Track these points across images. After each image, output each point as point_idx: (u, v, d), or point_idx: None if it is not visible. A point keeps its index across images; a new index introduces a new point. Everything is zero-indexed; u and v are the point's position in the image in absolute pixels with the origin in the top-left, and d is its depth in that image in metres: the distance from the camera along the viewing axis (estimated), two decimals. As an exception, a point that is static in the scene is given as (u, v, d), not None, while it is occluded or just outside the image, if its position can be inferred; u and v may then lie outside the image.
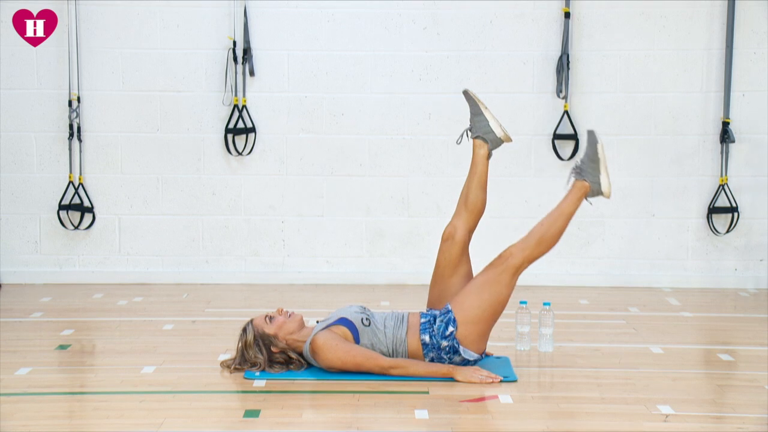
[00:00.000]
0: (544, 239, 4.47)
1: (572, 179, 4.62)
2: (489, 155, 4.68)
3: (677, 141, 6.76)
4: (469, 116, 4.72)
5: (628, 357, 4.80)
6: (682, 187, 6.78)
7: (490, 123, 4.64)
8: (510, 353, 4.80)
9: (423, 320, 4.41)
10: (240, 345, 4.43)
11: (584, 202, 4.60)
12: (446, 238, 4.62)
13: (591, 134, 4.62)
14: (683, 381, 4.39)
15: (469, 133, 4.71)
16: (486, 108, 4.66)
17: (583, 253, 6.85)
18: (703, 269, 6.82)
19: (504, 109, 6.74)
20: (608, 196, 4.61)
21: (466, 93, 4.72)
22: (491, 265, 4.44)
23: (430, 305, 4.60)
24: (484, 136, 4.66)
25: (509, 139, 4.67)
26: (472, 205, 4.66)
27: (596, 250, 6.83)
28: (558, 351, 4.89)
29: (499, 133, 4.64)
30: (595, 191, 4.59)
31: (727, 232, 6.75)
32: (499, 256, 4.45)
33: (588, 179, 4.57)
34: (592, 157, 4.57)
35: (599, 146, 4.56)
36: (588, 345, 5.05)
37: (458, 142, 4.82)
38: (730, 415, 3.93)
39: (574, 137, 6.70)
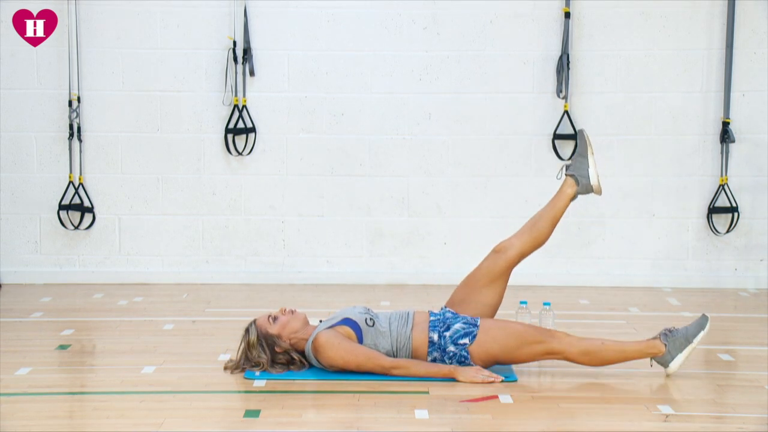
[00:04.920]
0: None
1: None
2: (574, 197, 4.64)
3: (677, 141, 6.76)
4: (573, 153, 4.71)
5: (628, 357, 4.80)
6: (682, 187, 6.78)
7: (589, 169, 4.61)
8: (510, 353, 4.79)
9: (432, 318, 4.42)
10: (243, 346, 4.42)
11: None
12: (498, 250, 4.59)
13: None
14: (683, 381, 4.38)
15: (566, 169, 4.68)
16: (593, 154, 4.64)
17: (583, 253, 6.84)
18: (703, 269, 6.82)
19: (504, 109, 6.76)
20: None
21: (581, 132, 4.70)
22: (536, 330, 4.42)
23: (449, 304, 4.59)
24: (579, 177, 4.63)
25: (600, 192, 4.63)
26: (537, 233, 4.62)
27: (596, 250, 6.83)
28: (558, 351, 4.88)
29: (594, 181, 4.61)
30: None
31: (727, 232, 6.75)
32: (546, 331, 4.45)
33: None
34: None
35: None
36: (588, 345, 5.04)
37: (558, 177, 4.75)
38: (730, 415, 3.92)
39: (574, 137, 6.70)
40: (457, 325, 4.38)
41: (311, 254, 6.87)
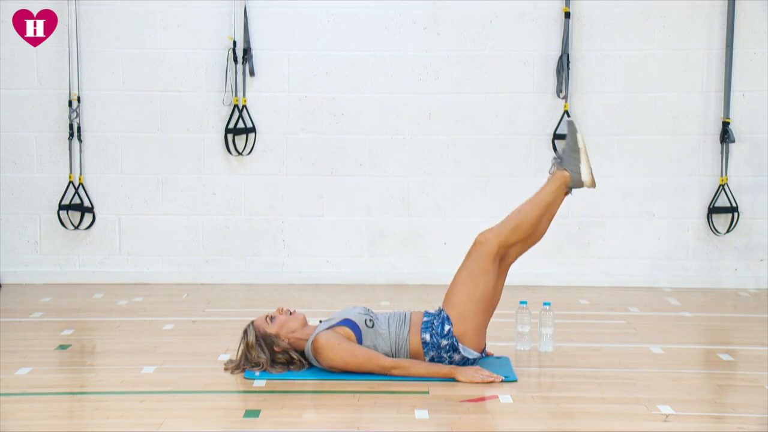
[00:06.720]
0: (520, 226, 4.47)
1: (553, 169, 4.62)
2: (567, 192, 4.59)
3: (677, 141, 6.76)
4: (564, 146, 4.61)
5: (628, 357, 4.80)
6: (682, 187, 6.78)
7: (581, 164, 4.55)
8: (510, 353, 4.80)
9: (425, 319, 4.42)
10: (242, 347, 4.43)
11: (567, 193, 4.59)
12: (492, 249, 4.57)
13: (570, 124, 4.60)
14: (683, 381, 4.39)
15: (557, 162, 4.61)
16: (584, 146, 4.56)
17: (583, 253, 6.84)
18: (703, 269, 6.82)
19: (504, 109, 6.76)
20: (591, 186, 4.58)
21: (571, 124, 4.62)
22: (468, 255, 4.45)
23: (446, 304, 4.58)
24: (571, 172, 4.56)
25: (593, 185, 4.57)
26: (539, 232, 4.57)
27: (596, 250, 6.83)
28: (558, 351, 4.89)
29: (585, 177, 4.54)
30: (576, 181, 4.56)
31: (727, 232, 6.75)
32: (474, 243, 4.45)
33: (568, 169, 4.56)
34: (573, 147, 4.56)
35: (579, 135, 4.55)
36: (588, 345, 5.05)
37: (550, 172, 4.64)
38: (730, 415, 3.92)
39: (574, 137, 6.70)
40: (435, 323, 4.39)
41: (311, 254, 6.87)
